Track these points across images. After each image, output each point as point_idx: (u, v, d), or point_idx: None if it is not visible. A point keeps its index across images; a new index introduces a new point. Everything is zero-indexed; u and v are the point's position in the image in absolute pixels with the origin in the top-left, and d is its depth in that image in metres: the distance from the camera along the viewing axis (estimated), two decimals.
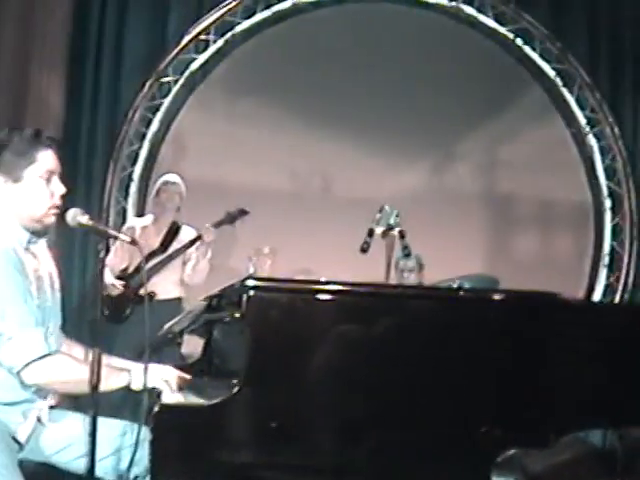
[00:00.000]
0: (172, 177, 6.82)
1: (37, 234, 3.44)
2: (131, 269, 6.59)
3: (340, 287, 2.71)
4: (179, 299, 6.69)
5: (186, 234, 6.69)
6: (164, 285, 6.48)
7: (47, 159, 3.36)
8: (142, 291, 6.44)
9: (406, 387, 2.69)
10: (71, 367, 3.24)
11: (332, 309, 2.68)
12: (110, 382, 3.22)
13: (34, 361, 3.18)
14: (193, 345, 4.47)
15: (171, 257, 6.56)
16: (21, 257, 3.31)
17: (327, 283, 2.70)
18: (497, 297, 2.80)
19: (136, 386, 3.23)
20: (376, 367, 2.67)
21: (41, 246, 3.51)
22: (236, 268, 6.64)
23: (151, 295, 6.33)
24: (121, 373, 3.27)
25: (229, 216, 6.64)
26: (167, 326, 4.60)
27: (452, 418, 2.70)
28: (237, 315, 2.72)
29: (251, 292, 2.62)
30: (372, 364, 2.67)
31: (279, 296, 2.63)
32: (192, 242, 6.55)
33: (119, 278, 6.56)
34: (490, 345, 2.76)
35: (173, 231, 6.71)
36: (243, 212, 6.68)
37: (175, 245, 6.63)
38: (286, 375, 2.61)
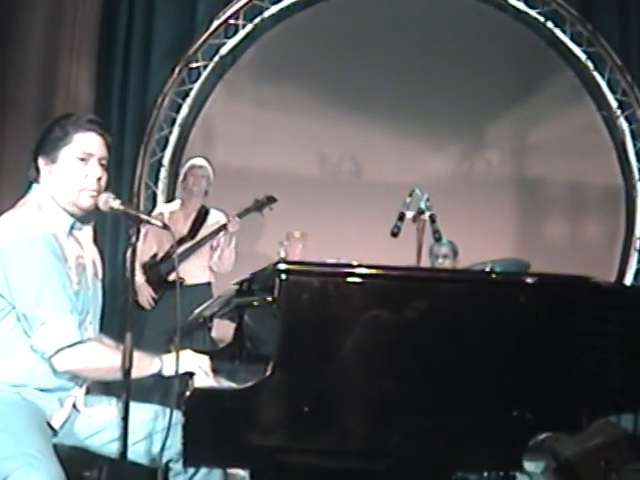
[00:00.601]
0: (199, 161, 6.84)
1: (80, 220, 3.45)
2: (160, 255, 6.60)
3: (372, 270, 2.70)
4: (208, 284, 6.71)
5: (215, 218, 6.70)
6: (192, 270, 6.50)
7: (84, 141, 3.36)
8: (172, 277, 6.47)
9: (437, 371, 2.68)
10: (103, 354, 3.26)
11: (364, 292, 2.68)
12: (142, 369, 3.22)
13: (65, 348, 3.19)
14: (224, 330, 4.48)
15: (199, 244, 6.58)
16: (62, 242, 3.32)
17: (359, 266, 2.69)
18: (529, 280, 2.78)
19: (168, 373, 3.25)
20: (408, 351, 2.66)
21: (86, 233, 3.51)
22: (264, 254, 6.66)
23: (180, 281, 6.34)
24: (153, 360, 3.28)
25: (257, 203, 6.65)
26: (197, 311, 4.61)
27: (484, 402, 2.69)
28: (269, 299, 2.72)
29: (283, 276, 2.61)
30: (404, 348, 2.66)
31: (311, 280, 2.62)
32: (219, 229, 6.55)
33: (149, 265, 6.59)
34: (522, 328, 2.74)
35: (202, 216, 6.72)
36: (271, 199, 6.67)
37: (204, 230, 6.64)
38: (318, 359, 2.61)
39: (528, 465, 6.39)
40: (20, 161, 6.40)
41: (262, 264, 3.30)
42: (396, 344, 2.65)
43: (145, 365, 3.25)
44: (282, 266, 2.64)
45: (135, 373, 3.09)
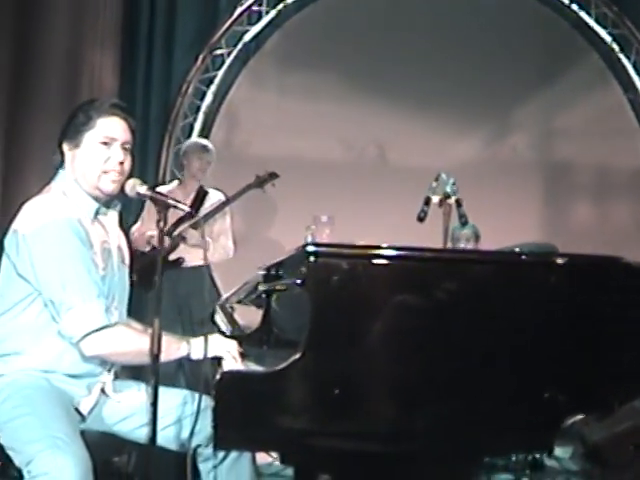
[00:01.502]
0: (206, 144, 6.78)
1: (105, 205, 3.46)
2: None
3: (401, 252, 2.69)
4: (207, 266, 6.64)
5: (214, 198, 6.63)
6: (191, 252, 6.43)
7: (107, 125, 3.36)
8: (172, 256, 6.39)
9: (467, 353, 2.67)
10: (130, 338, 3.26)
11: (393, 274, 2.66)
12: (170, 352, 3.23)
13: (93, 332, 3.20)
14: (251, 316, 4.48)
15: (203, 219, 6.41)
16: (87, 228, 3.33)
17: (388, 248, 2.68)
18: (560, 261, 2.76)
19: (196, 356, 3.25)
20: (437, 333, 2.65)
21: (111, 219, 3.52)
22: (288, 240, 6.66)
23: (180, 261, 6.34)
24: (181, 343, 3.28)
25: (258, 179, 6.55)
26: (224, 297, 4.60)
27: (515, 384, 2.67)
28: (298, 282, 2.70)
29: (312, 258, 2.60)
30: (433, 329, 2.65)
31: (340, 262, 2.61)
32: (223, 205, 6.47)
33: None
34: (552, 310, 2.72)
35: (201, 196, 6.64)
36: (273, 175, 6.55)
37: (203, 211, 6.53)
38: (348, 341, 2.60)
39: (556, 450, 6.42)
40: (45, 149, 6.37)
41: (285, 250, 3.29)
42: (425, 326, 2.64)
43: (173, 349, 3.26)
44: (311, 248, 2.62)
45: (163, 357, 3.10)
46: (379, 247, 2.68)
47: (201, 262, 6.43)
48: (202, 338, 3.22)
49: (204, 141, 6.94)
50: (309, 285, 2.63)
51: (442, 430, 2.64)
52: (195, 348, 3.25)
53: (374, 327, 2.61)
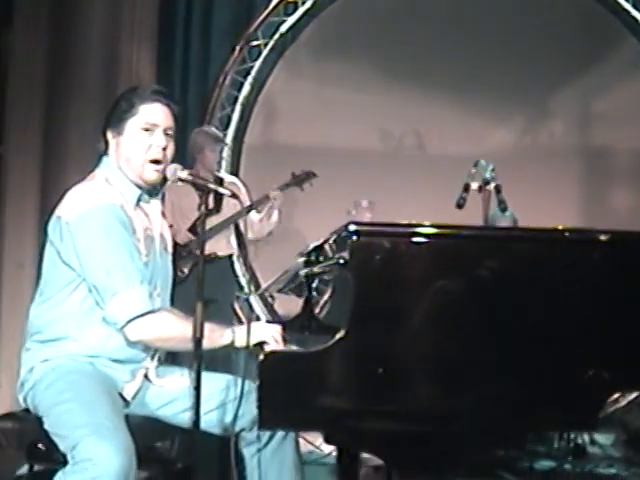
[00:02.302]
0: (216, 134, 6.80)
1: (148, 192, 3.48)
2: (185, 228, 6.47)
3: (442, 230, 2.68)
4: (229, 256, 6.65)
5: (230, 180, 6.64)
6: (217, 243, 6.42)
7: (149, 112, 3.38)
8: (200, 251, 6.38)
9: (510, 331, 2.66)
10: (174, 324, 3.27)
11: (436, 252, 2.66)
12: (213, 340, 3.24)
13: (137, 318, 3.23)
14: (291, 305, 4.49)
15: (228, 221, 6.42)
16: (130, 214, 3.35)
17: (430, 226, 2.67)
18: (602, 237, 2.75)
19: (240, 344, 3.25)
20: (480, 311, 2.64)
21: (154, 207, 3.54)
22: (328, 228, 6.65)
23: (211, 255, 6.33)
24: (225, 331, 3.29)
25: (295, 179, 6.53)
26: (264, 286, 4.62)
27: (559, 362, 2.66)
28: (340, 261, 2.70)
29: (354, 237, 2.60)
30: (476, 308, 2.64)
31: (382, 240, 2.61)
32: (249, 209, 6.45)
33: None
34: (595, 286, 2.71)
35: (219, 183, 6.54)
36: (311, 175, 6.55)
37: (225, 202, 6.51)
38: (391, 320, 2.60)
39: (599, 437, 6.39)
40: (83, 139, 6.49)
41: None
42: (468, 304, 2.63)
43: (216, 336, 3.27)
44: (353, 227, 2.62)
45: (207, 344, 3.11)
46: (421, 225, 2.68)
47: (225, 252, 6.50)
48: (245, 325, 3.23)
49: (214, 131, 6.90)
50: (352, 265, 2.62)
51: (487, 408, 2.63)
52: (239, 335, 3.25)
53: (417, 306, 2.61)
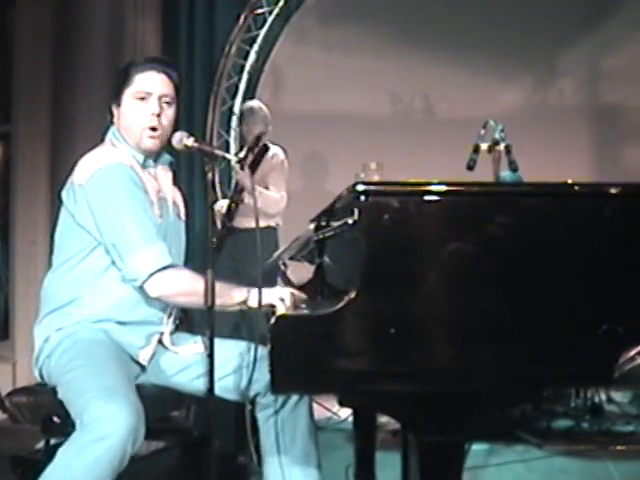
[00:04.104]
0: (258, 108, 6.71)
1: (155, 159, 3.49)
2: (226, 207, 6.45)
3: (452, 187, 2.65)
4: (263, 228, 6.60)
5: (272, 153, 6.57)
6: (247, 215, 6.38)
7: (144, 80, 3.40)
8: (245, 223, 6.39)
9: (522, 287, 2.63)
10: (194, 279, 3.23)
11: (446, 210, 2.62)
12: (228, 298, 3.24)
13: (157, 271, 3.22)
14: (303, 272, 4.48)
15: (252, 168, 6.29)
16: (140, 174, 3.36)
17: (440, 184, 2.64)
18: (613, 190, 2.72)
19: (253, 303, 3.24)
20: (491, 268, 2.62)
21: (164, 175, 3.55)
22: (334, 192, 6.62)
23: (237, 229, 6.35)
24: (240, 290, 3.29)
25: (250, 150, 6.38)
26: (276, 254, 4.60)
27: (572, 317, 2.64)
28: (349, 222, 2.68)
29: (362, 197, 2.58)
30: (487, 265, 2.61)
31: (391, 200, 2.58)
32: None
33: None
34: (608, 241, 2.68)
35: (262, 152, 6.50)
36: (258, 138, 6.36)
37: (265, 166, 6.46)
38: (403, 280, 2.57)
39: (616, 395, 6.38)
40: (91, 113, 6.49)
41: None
42: (480, 261, 2.60)
43: (233, 294, 3.26)
44: (360, 187, 2.58)
45: (222, 301, 3.15)
46: (430, 183, 2.65)
47: (252, 224, 6.47)
48: (257, 289, 3.22)
49: (258, 105, 6.84)
50: (361, 225, 2.59)
51: (501, 366, 2.61)
52: (252, 295, 3.24)
53: (428, 265, 2.58)
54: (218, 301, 3.08)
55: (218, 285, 3.10)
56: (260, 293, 3.15)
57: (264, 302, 3.17)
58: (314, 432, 3.48)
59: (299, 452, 3.42)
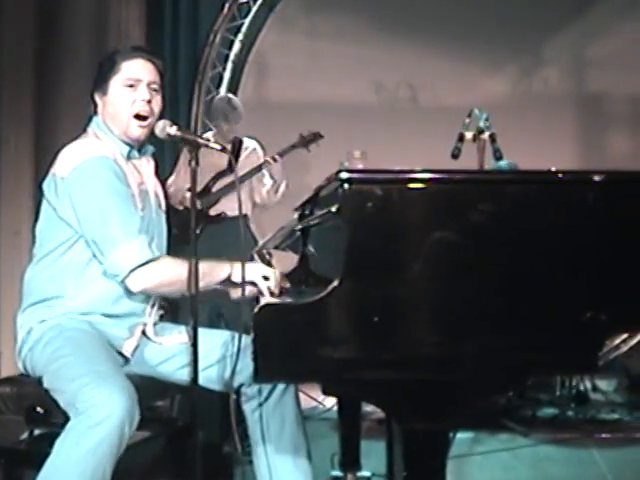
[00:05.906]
0: (229, 106, 6.72)
1: (139, 150, 3.48)
2: (199, 189, 6.46)
3: (435, 175, 2.65)
4: (244, 216, 6.62)
5: (249, 145, 6.65)
6: (230, 204, 6.41)
7: (131, 67, 3.39)
8: (212, 211, 6.44)
9: (505, 275, 2.63)
10: (176, 267, 3.24)
11: (429, 197, 2.62)
12: (213, 275, 3.26)
13: (139, 267, 3.21)
14: (288, 262, 4.48)
15: (241, 180, 6.38)
16: (123, 167, 3.35)
17: (423, 171, 2.64)
18: (597, 178, 2.71)
19: (236, 278, 3.24)
20: (476, 255, 2.62)
21: (146, 166, 3.55)
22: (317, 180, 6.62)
23: (221, 216, 6.40)
24: (224, 265, 3.29)
25: (303, 140, 6.53)
26: (261, 243, 4.60)
27: (556, 305, 2.64)
28: (332, 209, 2.68)
29: (345, 185, 2.57)
30: (472, 252, 2.61)
31: (374, 187, 2.57)
32: (260, 167, 6.43)
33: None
34: (592, 229, 2.68)
35: (237, 147, 6.59)
36: (317, 136, 6.54)
37: (242, 161, 6.54)
38: (386, 267, 2.56)
39: (601, 383, 6.41)
40: (75, 103, 6.46)
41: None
42: (464, 249, 2.60)
43: (217, 271, 3.27)
44: (344, 175, 2.57)
45: (207, 280, 3.19)
46: (414, 171, 2.65)
47: (234, 212, 6.49)
48: (241, 263, 3.22)
49: (230, 100, 6.84)
50: (345, 212, 2.59)
51: (485, 354, 2.61)
52: (236, 271, 3.25)
53: (412, 253, 2.58)
54: (202, 283, 3.10)
55: (201, 265, 3.10)
56: (243, 268, 3.15)
57: (247, 278, 3.18)
58: (302, 422, 3.48)
59: (288, 443, 3.42)
